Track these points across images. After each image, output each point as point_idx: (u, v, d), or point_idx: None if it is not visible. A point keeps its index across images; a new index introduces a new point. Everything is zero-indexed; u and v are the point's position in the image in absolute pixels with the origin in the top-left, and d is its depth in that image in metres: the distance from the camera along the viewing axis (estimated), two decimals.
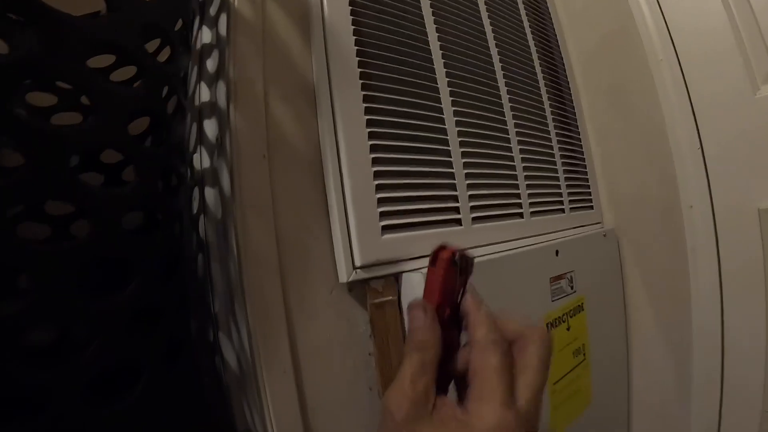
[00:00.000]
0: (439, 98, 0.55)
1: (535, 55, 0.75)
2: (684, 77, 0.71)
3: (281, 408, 0.37)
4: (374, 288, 0.45)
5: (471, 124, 0.58)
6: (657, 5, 0.74)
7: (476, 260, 0.49)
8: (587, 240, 0.72)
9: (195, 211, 0.42)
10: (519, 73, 0.70)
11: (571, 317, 0.63)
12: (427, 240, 0.49)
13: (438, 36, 0.56)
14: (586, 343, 0.66)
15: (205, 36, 0.42)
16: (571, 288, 0.64)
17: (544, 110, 0.74)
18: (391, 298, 0.44)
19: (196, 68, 0.43)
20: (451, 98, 0.56)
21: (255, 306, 0.37)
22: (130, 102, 0.33)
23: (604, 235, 0.76)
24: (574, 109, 0.82)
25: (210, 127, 0.40)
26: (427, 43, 0.55)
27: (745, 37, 0.65)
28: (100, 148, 0.45)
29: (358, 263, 0.43)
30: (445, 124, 0.54)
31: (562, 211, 0.72)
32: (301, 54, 0.45)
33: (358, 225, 0.43)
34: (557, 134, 0.75)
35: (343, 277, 0.43)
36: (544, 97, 0.75)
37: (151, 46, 0.39)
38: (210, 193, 0.40)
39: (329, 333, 0.42)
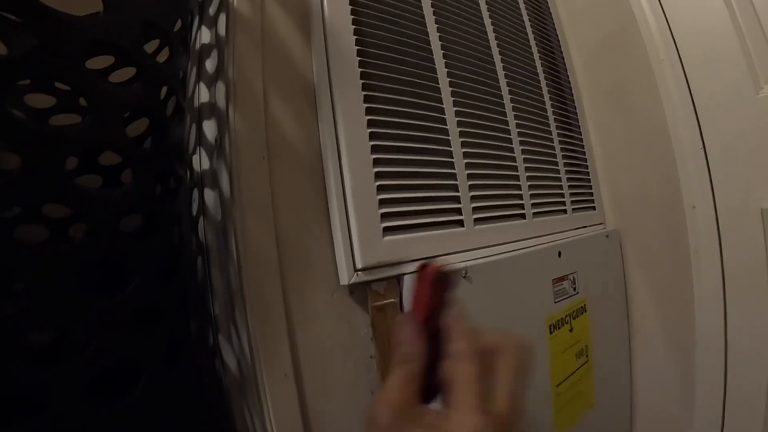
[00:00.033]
0: (441, 98, 0.54)
1: (536, 55, 0.75)
2: (686, 77, 0.71)
3: (281, 411, 0.36)
4: (375, 290, 0.44)
5: (472, 124, 0.58)
6: (658, 4, 0.73)
7: (479, 262, 0.50)
8: (590, 241, 0.72)
9: (195, 213, 0.41)
10: (520, 72, 0.70)
11: (573, 319, 0.63)
12: (429, 242, 0.48)
13: (439, 36, 0.56)
14: (588, 344, 0.66)
15: (205, 36, 0.42)
16: (574, 289, 0.64)
17: (545, 110, 0.73)
18: (392, 300, 0.43)
19: (195, 69, 0.42)
20: (453, 98, 0.56)
21: (255, 308, 0.36)
22: (127, 102, 0.33)
23: (607, 236, 0.75)
24: (575, 108, 0.82)
25: (209, 128, 0.40)
26: (428, 42, 0.55)
27: (748, 37, 0.64)
28: (98, 149, 0.44)
29: (359, 265, 0.43)
30: (446, 125, 0.54)
31: (564, 211, 0.71)
32: (301, 54, 0.45)
33: (360, 226, 0.43)
34: (559, 134, 0.75)
35: (344, 279, 0.43)
36: (546, 97, 0.74)
37: (150, 47, 0.38)
38: (209, 194, 0.39)
39: (330, 336, 0.42)
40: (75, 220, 0.44)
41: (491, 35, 0.66)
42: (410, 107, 0.50)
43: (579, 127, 0.82)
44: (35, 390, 0.26)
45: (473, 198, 0.55)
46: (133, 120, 0.40)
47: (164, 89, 0.39)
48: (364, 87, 0.46)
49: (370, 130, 0.45)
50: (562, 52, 0.83)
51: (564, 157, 0.74)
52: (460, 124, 0.55)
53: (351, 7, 0.47)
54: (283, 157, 0.41)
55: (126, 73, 0.38)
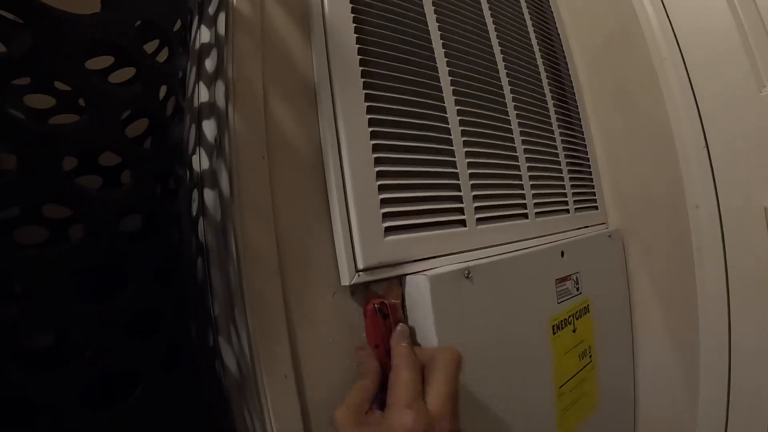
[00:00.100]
0: (442, 97, 0.54)
1: (538, 54, 0.74)
2: (689, 76, 0.70)
3: (282, 413, 0.36)
4: (377, 291, 0.44)
5: (474, 123, 0.57)
6: (660, 4, 0.73)
7: (481, 262, 0.50)
8: (592, 241, 0.71)
9: (194, 213, 0.41)
10: (522, 72, 0.70)
11: (577, 319, 0.62)
12: (431, 242, 0.48)
13: (440, 34, 0.56)
14: (592, 345, 0.65)
15: (204, 35, 0.42)
16: (577, 289, 0.63)
17: (547, 110, 0.73)
18: (394, 301, 0.43)
19: (194, 68, 0.42)
20: (455, 97, 0.55)
21: (255, 309, 0.36)
22: (127, 102, 0.33)
23: (609, 236, 0.75)
24: (577, 108, 0.82)
25: (209, 127, 0.40)
26: (429, 41, 0.54)
27: (750, 35, 0.64)
28: (98, 150, 0.44)
29: (360, 266, 0.42)
30: (448, 124, 0.54)
31: (567, 211, 0.71)
32: (301, 53, 0.45)
33: (361, 226, 0.42)
34: (561, 134, 0.74)
35: (346, 279, 0.42)
36: (548, 96, 0.74)
37: (150, 47, 0.38)
38: (209, 194, 0.39)
39: (331, 337, 0.41)
40: (75, 221, 0.44)
41: (492, 33, 0.65)
42: (412, 106, 0.50)
43: (581, 126, 0.81)
44: (35, 392, 0.26)
45: (475, 198, 0.54)
46: (133, 120, 0.40)
47: (164, 89, 0.39)
48: (365, 86, 0.46)
49: (371, 129, 0.45)
50: (563, 52, 0.83)
51: (566, 156, 0.74)
52: (462, 123, 0.55)
53: (352, 5, 0.47)
54: (284, 156, 0.41)
55: (126, 74, 0.38)
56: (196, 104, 0.41)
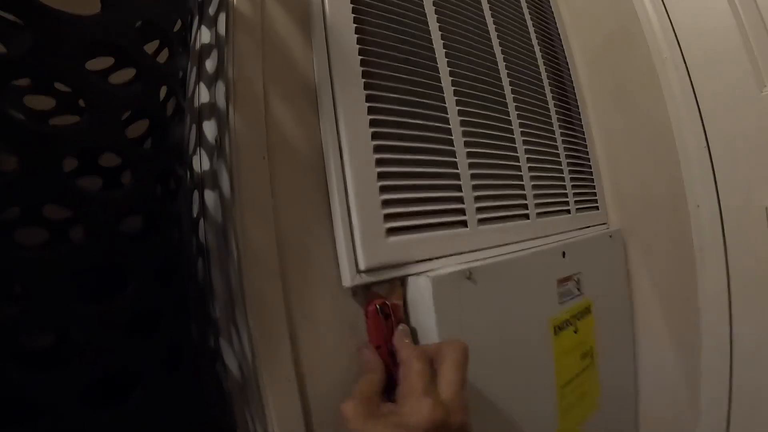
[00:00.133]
0: (443, 98, 0.54)
1: (538, 54, 0.74)
2: (689, 76, 0.70)
3: (284, 416, 0.36)
4: (378, 292, 0.44)
5: (475, 123, 0.57)
6: (661, 4, 0.73)
7: (483, 263, 0.50)
8: (593, 241, 0.71)
9: (195, 214, 0.41)
10: (523, 72, 0.69)
11: (578, 320, 0.62)
12: (432, 242, 0.48)
13: (441, 35, 0.56)
14: (593, 345, 0.65)
15: (204, 36, 0.42)
16: (578, 290, 0.63)
17: (548, 110, 0.73)
18: (396, 302, 0.43)
19: (195, 69, 0.42)
20: (455, 98, 0.55)
21: (256, 311, 0.36)
22: (127, 103, 0.33)
23: (611, 236, 0.74)
24: (578, 108, 0.81)
25: (209, 128, 0.40)
26: (430, 41, 0.54)
27: (751, 35, 0.64)
28: (98, 150, 0.44)
29: (362, 267, 0.42)
30: (449, 124, 0.53)
31: (568, 211, 0.71)
32: (302, 53, 0.45)
33: (362, 227, 0.42)
34: (562, 134, 0.74)
35: (347, 281, 0.42)
36: (549, 96, 0.74)
37: (150, 47, 0.38)
38: (209, 195, 0.39)
39: (333, 338, 0.41)
40: (75, 222, 0.44)
41: (493, 33, 0.65)
42: (413, 107, 0.50)
43: (582, 126, 0.81)
44: (35, 392, 0.26)
45: (477, 198, 0.54)
46: (133, 121, 0.40)
47: (164, 90, 0.39)
48: (366, 86, 0.45)
49: (372, 130, 0.45)
50: (564, 52, 0.83)
51: (567, 156, 0.74)
52: (463, 123, 0.55)
53: (352, 5, 0.47)
54: (284, 157, 0.41)
55: (126, 74, 0.38)
56: (196, 105, 0.41)
